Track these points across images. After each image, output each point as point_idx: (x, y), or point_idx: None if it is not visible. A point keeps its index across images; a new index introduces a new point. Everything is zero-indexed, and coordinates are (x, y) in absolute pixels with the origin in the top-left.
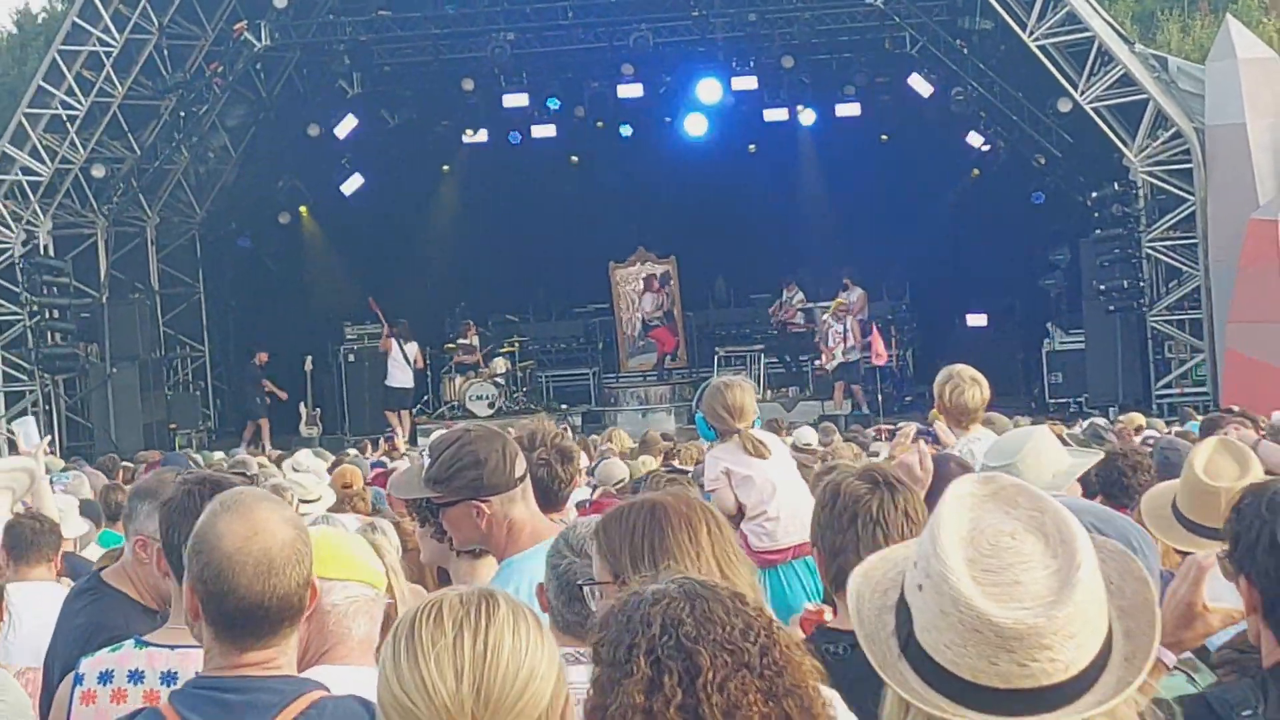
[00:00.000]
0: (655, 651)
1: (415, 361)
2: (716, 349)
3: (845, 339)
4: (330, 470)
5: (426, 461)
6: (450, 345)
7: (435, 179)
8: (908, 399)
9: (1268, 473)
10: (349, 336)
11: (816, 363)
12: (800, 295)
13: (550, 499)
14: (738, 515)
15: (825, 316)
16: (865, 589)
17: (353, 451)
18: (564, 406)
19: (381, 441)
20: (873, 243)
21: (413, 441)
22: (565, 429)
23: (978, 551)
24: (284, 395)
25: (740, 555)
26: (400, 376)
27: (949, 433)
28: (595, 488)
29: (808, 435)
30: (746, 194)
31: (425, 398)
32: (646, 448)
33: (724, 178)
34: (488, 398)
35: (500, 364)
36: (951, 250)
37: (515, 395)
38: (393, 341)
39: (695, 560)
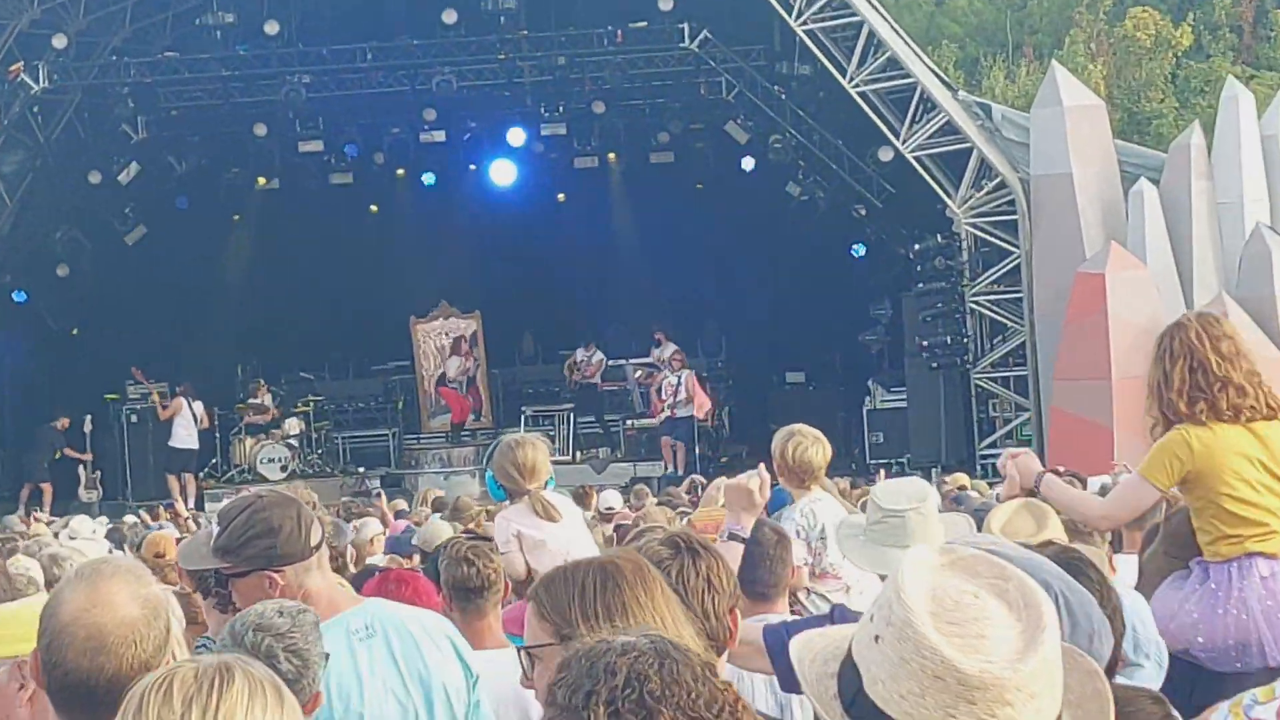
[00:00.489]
0: (615, 703)
1: (201, 422)
2: (523, 408)
3: (677, 392)
4: (109, 536)
5: (216, 529)
6: (240, 405)
7: (225, 229)
8: (723, 459)
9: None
10: (131, 395)
11: (629, 422)
12: (599, 355)
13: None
14: (527, 581)
15: (664, 374)
16: (805, 655)
17: (130, 519)
18: (361, 469)
19: (160, 508)
20: (687, 296)
21: (199, 506)
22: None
23: (941, 607)
24: (87, 456)
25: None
26: (185, 437)
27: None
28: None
29: (611, 499)
30: (555, 245)
31: (213, 460)
32: (458, 513)
33: (532, 228)
34: (280, 460)
35: (294, 424)
36: (770, 303)
37: (310, 457)
38: (182, 401)
39: (652, 620)
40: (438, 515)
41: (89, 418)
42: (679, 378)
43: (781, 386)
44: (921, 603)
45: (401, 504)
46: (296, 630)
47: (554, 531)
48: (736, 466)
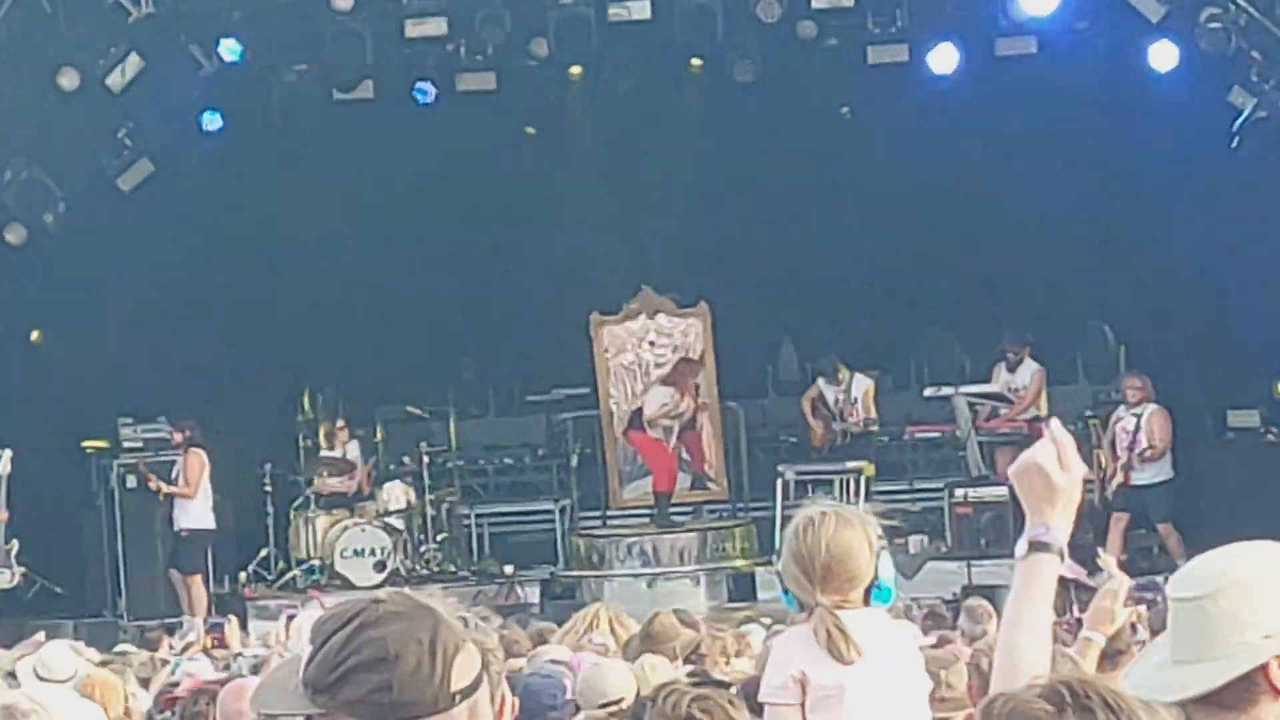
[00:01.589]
0: None
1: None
2: (781, 468)
3: (1135, 440)
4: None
5: (307, 653)
6: (309, 461)
7: (278, 165)
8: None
9: None
10: (127, 443)
11: (961, 492)
12: (864, 381)
13: None
14: None
15: (1118, 411)
16: None
17: (135, 652)
18: (510, 569)
19: (197, 631)
20: (1052, 278)
21: (233, 624)
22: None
23: None
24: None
25: None
26: (200, 513)
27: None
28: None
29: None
30: (838, 189)
31: (263, 552)
32: (653, 642)
33: (798, 161)
34: (377, 553)
35: (397, 493)
36: (1202, 294)
37: (425, 548)
38: (198, 456)
39: None
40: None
41: (6, 455)
42: (1139, 416)
43: (1220, 433)
44: None
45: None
46: None
47: (858, 680)
48: (1144, 567)
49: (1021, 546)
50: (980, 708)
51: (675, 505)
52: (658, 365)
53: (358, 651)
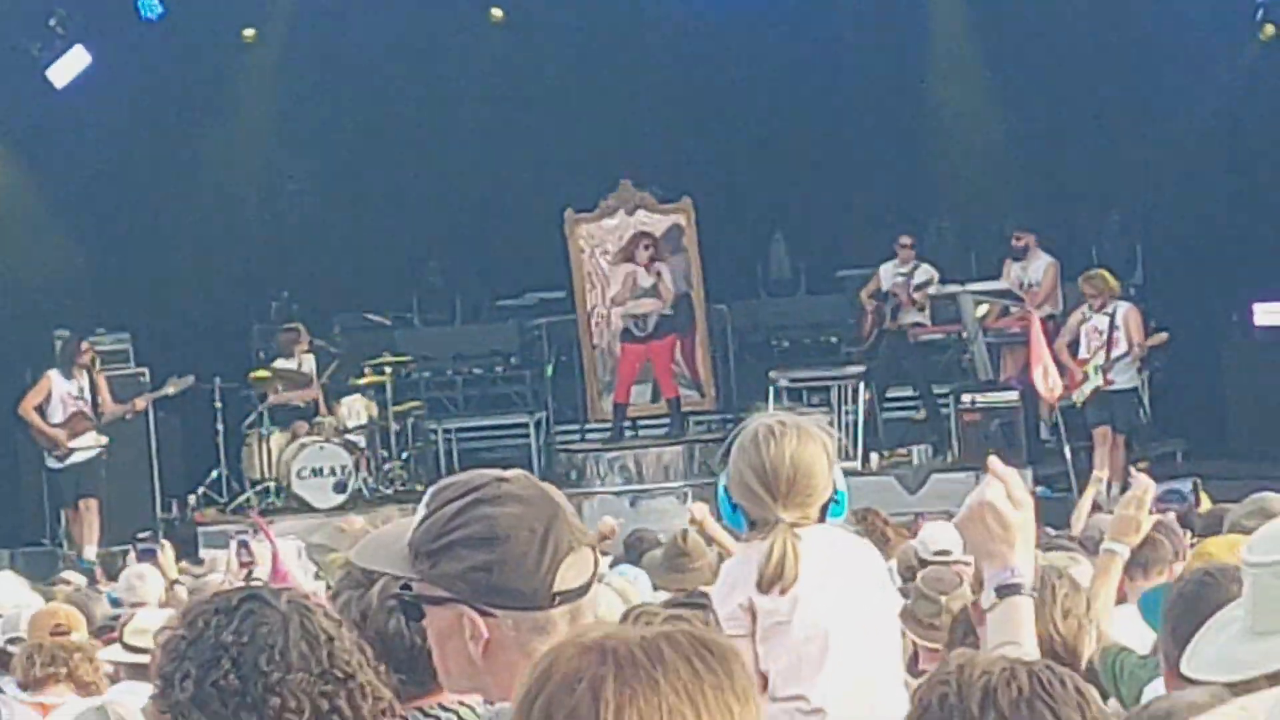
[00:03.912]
0: None
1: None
2: (773, 374)
3: (1112, 342)
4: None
5: (418, 515)
6: (260, 373)
7: (227, 54)
8: (1139, 462)
9: None
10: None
11: (969, 398)
12: (927, 269)
13: (425, 670)
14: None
15: (1082, 311)
16: None
17: (71, 578)
18: None
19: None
20: (1068, 170)
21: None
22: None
23: None
24: None
25: None
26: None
27: None
28: None
29: (941, 537)
30: (828, 76)
31: (212, 474)
32: (671, 558)
33: (784, 45)
34: (336, 472)
35: (359, 406)
36: (1226, 191)
37: (387, 467)
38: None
39: None
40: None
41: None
42: (1111, 315)
43: (1244, 333)
44: None
45: None
46: None
47: (808, 604)
48: (1164, 472)
49: (989, 597)
50: (954, 668)
51: (655, 417)
52: (626, 254)
53: (466, 525)
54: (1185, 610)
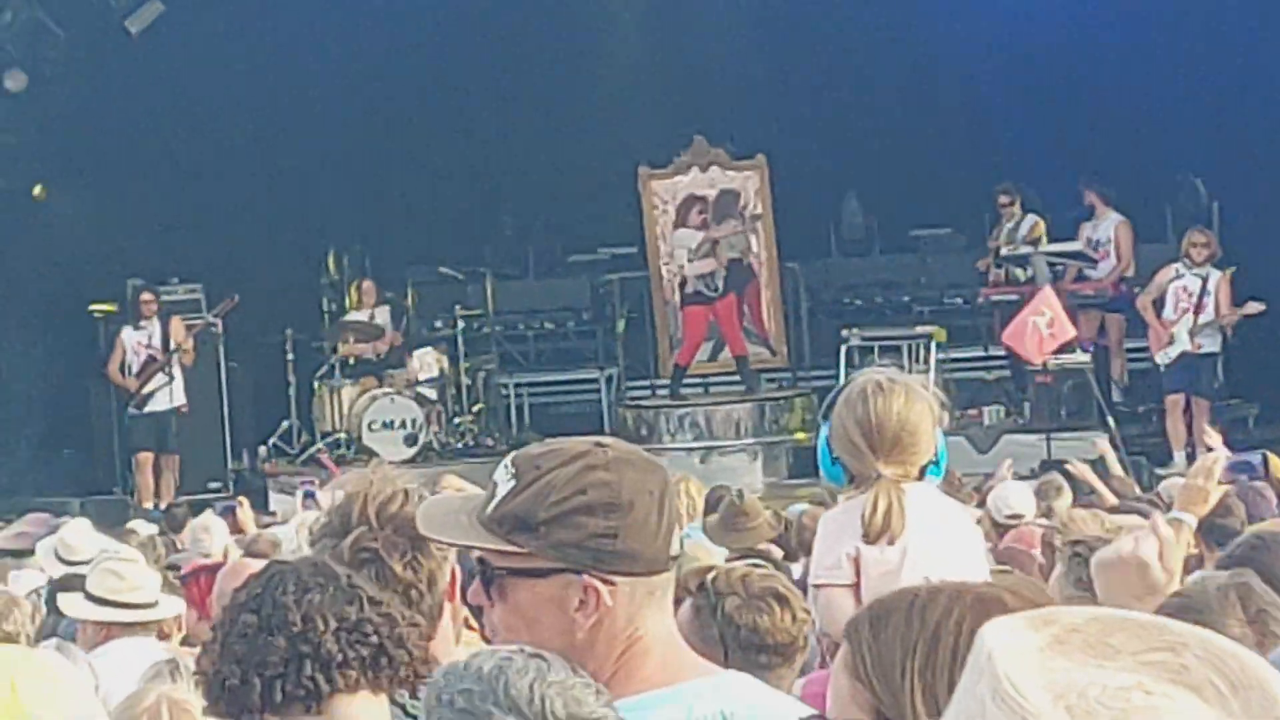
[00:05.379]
0: None
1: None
2: (846, 332)
3: (1200, 305)
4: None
5: (504, 482)
6: (333, 326)
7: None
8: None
9: None
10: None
11: (1042, 360)
12: (1033, 219)
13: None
14: None
15: (1176, 267)
16: None
17: (144, 528)
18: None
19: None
20: (1143, 128)
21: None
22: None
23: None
24: None
25: None
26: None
27: None
28: None
29: (1014, 498)
30: (909, 32)
31: (284, 424)
32: (729, 518)
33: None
34: (407, 425)
35: (429, 360)
36: None
37: (459, 420)
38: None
39: None
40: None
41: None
42: (1204, 278)
43: None
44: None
45: None
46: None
47: (918, 553)
48: (1239, 437)
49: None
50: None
51: (724, 374)
52: (683, 219)
53: (583, 492)
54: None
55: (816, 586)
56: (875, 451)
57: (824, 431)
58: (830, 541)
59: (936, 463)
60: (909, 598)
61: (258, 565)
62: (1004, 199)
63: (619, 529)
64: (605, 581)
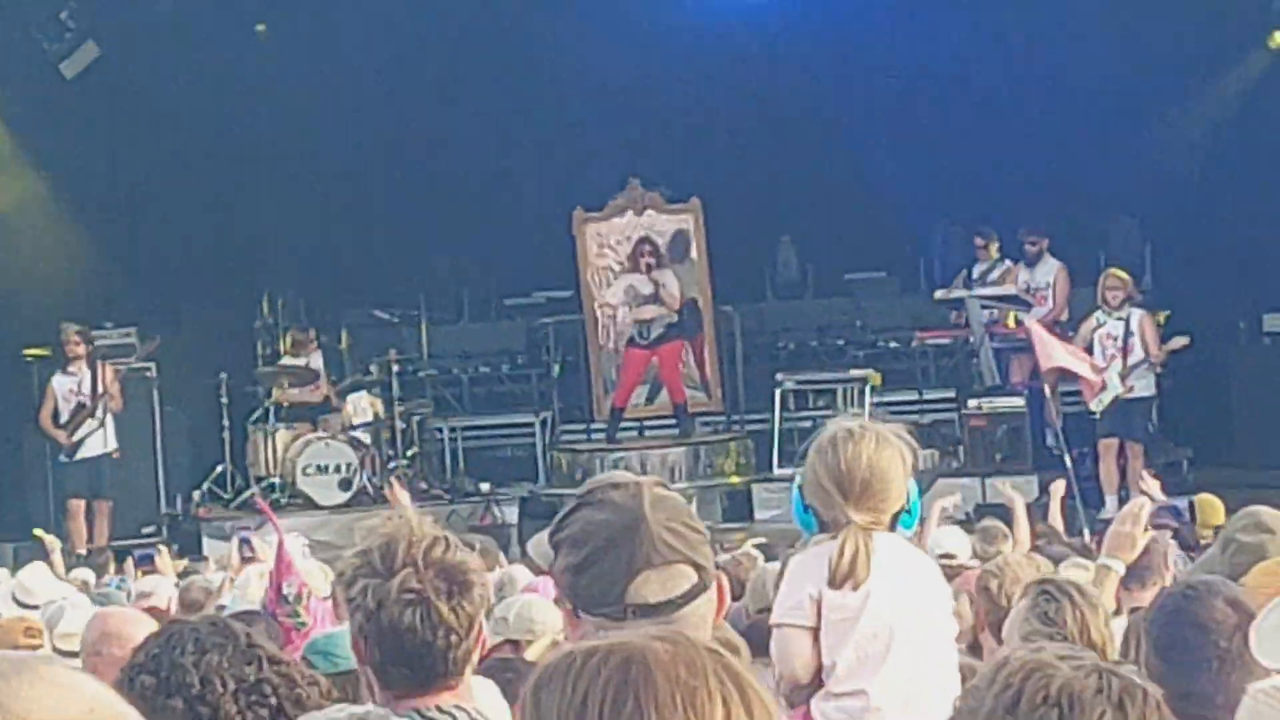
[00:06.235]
0: None
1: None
2: (780, 376)
3: (1128, 348)
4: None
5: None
6: (267, 369)
7: (237, 48)
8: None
9: None
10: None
11: (975, 403)
12: (1007, 264)
13: (432, 669)
14: (809, 685)
15: (1095, 316)
16: None
17: (81, 574)
18: (486, 486)
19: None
20: (1075, 171)
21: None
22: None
23: None
24: None
25: None
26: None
27: None
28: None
29: (948, 541)
30: (833, 79)
31: (218, 469)
32: None
33: (795, 48)
34: (342, 469)
35: (364, 404)
36: (1238, 191)
37: (394, 465)
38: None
39: None
40: None
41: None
42: (1126, 320)
43: (1255, 339)
44: None
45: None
46: None
47: (880, 599)
48: (1173, 482)
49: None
50: (998, 668)
51: (660, 417)
52: (633, 263)
53: (567, 526)
54: (1166, 623)
55: (776, 626)
56: (845, 497)
57: (796, 479)
58: (796, 583)
59: (909, 511)
60: (568, 661)
61: (134, 624)
62: (980, 241)
63: (579, 566)
64: (574, 613)
